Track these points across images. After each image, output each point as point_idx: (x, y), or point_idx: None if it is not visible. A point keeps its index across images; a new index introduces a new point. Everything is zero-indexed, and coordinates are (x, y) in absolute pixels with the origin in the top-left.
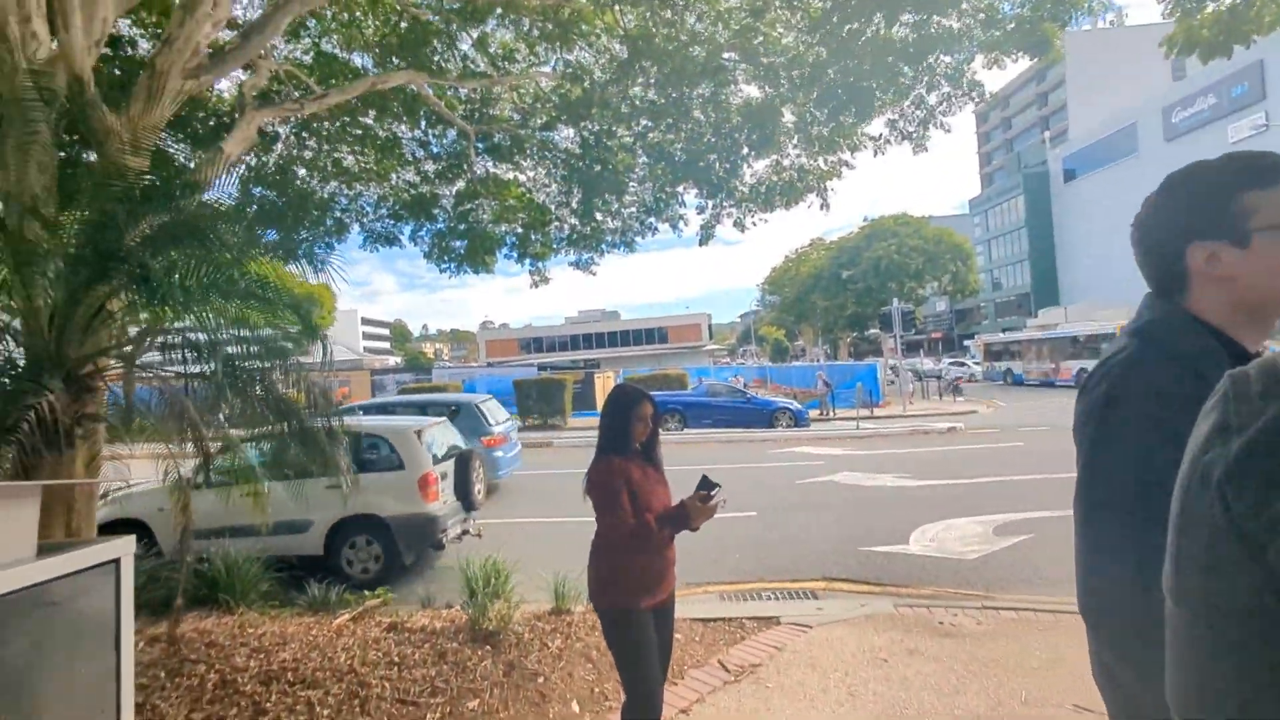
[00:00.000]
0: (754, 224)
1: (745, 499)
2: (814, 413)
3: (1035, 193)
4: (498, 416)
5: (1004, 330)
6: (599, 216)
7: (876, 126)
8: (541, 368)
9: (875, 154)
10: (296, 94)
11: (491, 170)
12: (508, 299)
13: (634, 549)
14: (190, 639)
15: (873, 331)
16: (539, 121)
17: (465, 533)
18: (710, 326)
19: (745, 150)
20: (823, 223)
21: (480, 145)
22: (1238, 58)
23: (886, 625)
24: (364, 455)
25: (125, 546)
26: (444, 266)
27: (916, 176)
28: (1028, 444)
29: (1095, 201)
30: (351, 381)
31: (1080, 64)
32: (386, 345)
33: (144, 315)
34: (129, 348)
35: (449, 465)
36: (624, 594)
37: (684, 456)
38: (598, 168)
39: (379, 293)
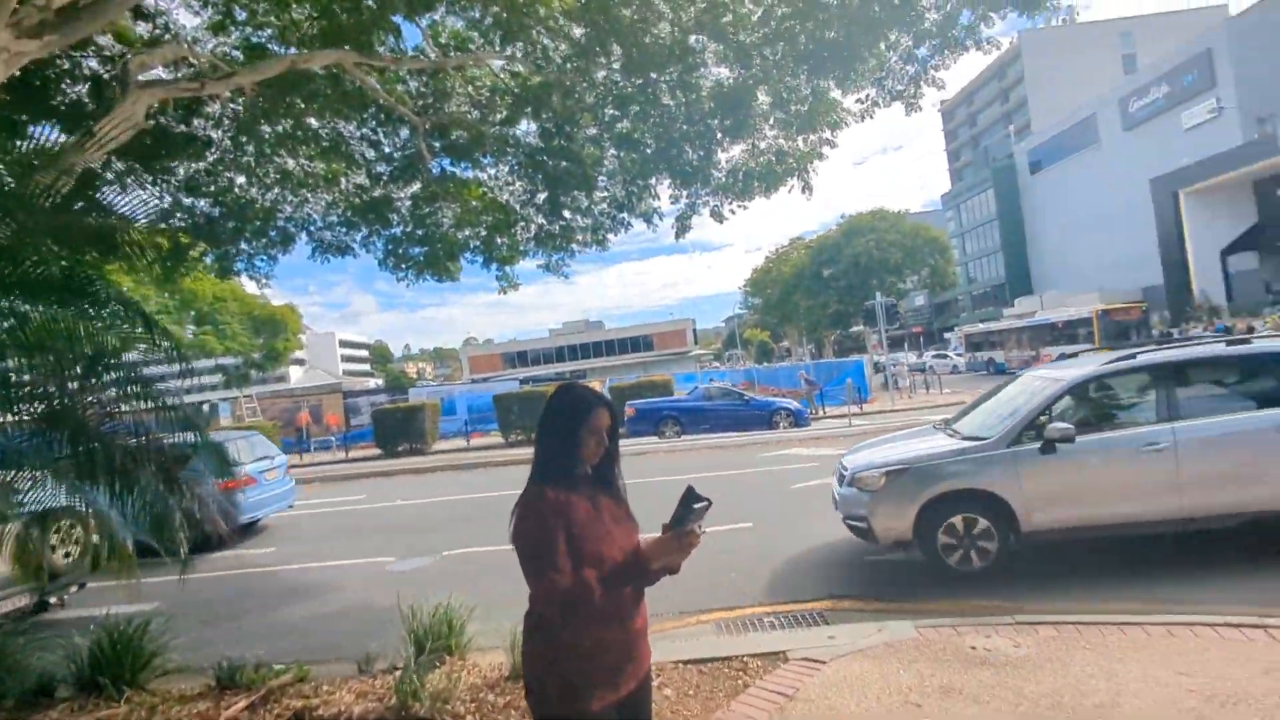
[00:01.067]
0: (732, 213)
1: (739, 509)
2: None
3: (1004, 186)
4: (255, 455)
5: (982, 321)
6: (567, 214)
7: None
8: (524, 381)
9: (863, 119)
10: (196, 73)
11: (450, 170)
12: (493, 316)
13: (576, 624)
14: None
15: (856, 328)
16: (498, 116)
17: (44, 604)
18: (695, 332)
19: (719, 136)
20: (800, 223)
21: (437, 143)
22: (1184, 48)
23: (911, 655)
24: None
25: None
26: (401, 275)
27: (888, 174)
28: None
29: (1061, 191)
30: (324, 404)
31: (1038, 60)
32: (367, 367)
33: None
34: None
35: None
36: (568, 694)
37: (670, 466)
38: (563, 162)
39: (359, 314)
